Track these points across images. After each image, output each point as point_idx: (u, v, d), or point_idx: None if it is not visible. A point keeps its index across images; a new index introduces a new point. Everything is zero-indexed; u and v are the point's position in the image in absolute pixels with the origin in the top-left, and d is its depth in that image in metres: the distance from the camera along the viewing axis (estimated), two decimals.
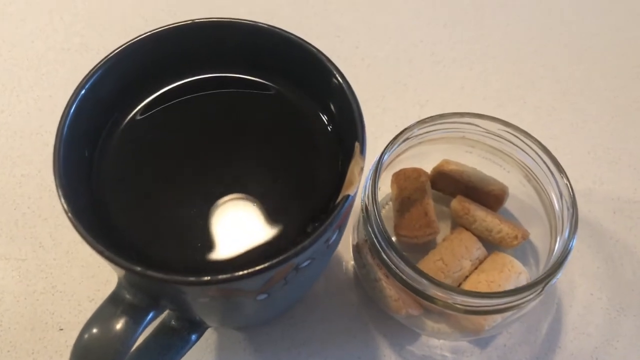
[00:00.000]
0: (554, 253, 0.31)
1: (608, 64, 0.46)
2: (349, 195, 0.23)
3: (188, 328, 0.29)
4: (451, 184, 0.37)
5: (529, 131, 0.33)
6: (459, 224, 0.36)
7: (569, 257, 0.30)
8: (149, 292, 0.24)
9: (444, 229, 0.38)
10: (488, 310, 0.30)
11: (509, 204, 0.37)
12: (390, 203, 0.38)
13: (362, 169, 0.24)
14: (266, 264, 0.21)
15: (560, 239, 0.31)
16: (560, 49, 0.47)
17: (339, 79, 0.25)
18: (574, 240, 0.30)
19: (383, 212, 0.39)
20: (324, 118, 0.28)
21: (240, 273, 0.21)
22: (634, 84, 0.45)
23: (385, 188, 0.38)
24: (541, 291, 0.30)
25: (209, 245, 0.24)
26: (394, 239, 0.36)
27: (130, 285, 0.24)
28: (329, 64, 0.26)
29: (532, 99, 0.44)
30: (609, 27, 0.49)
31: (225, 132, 0.27)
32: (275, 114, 0.28)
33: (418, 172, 0.37)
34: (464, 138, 0.36)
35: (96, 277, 0.36)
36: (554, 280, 0.30)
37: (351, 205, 0.24)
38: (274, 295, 0.25)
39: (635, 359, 0.35)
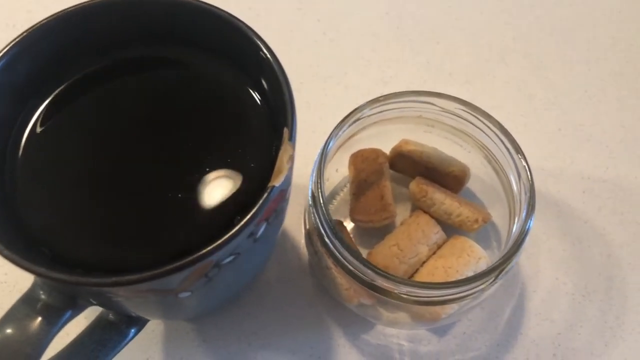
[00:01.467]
0: (511, 237, 0.30)
1: (581, 36, 0.44)
2: (273, 187, 0.21)
3: (126, 322, 0.28)
4: (410, 165, 0.35)
5: (498, 107, 0.32)
6: (417, 207, 0.35)
7: (525, 244, 0.28)
8: (63, 291, 0.22)
9: (404, 212, 0.36)
10: (440, 301, 0.29)
11: (471, 185, 0.36)
12: (349, 185, 0.36)
13: (291, 157, 0.22)
14: (176, 264, 0.19)
15: (517, 223, 0.30)
16: (531, 20, 0.44)
17: (266, 52, 0.23)
18: (531, 223, 0.28)
19: (341, 194, 0.37)
20: (259, 100, 0.26)
21: (149, 273, 0.19)
22: (608, 56, 0.43)
23: (345, 170, 0.36)
24: (496, 279, 0.28)
25: (127, 241, 0.23)
26: (350, 223, 0.35)
27: (44, 284, 0.23)
28: (253, 36, 0.23)
29: (501, 74, 0.42)
30: None
31: (148, 117, 0.25)
32: (203, 96, 0.26)
33: (376, 153, 0.35)
34: (421, 117, 0.34)
35: None
36: (510, 266, 0.29)
37: (281, 197, 0.22)
38: (200, 292, 0.23)
39: (600, 344, 0.34)
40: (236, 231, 0.20)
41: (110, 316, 0.28)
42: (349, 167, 0.36)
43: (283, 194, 0.23)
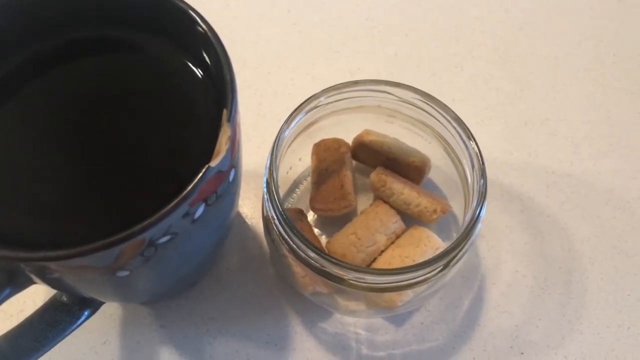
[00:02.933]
0: (463, 225, 0.30)
1: (550, 31, 0.44)
2: (208, 167, 0.21)
3: (79, 303, 0.28)
4: (372, 155, 0.35)
5: (464, 100, 0.32)
6: (377, 196, 0.35)
7: (476, 230, 0.28)
8: (0, 267, 0.22)
9: (366, 202, 0.36)
10: (393, 287, 0.29)
11: (432, 176, 0.36)
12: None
13: (229, 138, 0.22)
14: (104, 241, 0.20)
15: (469, 211, 0.30)
16: (501, 14, 0.45)
17: (204, 27, 0.23)
18: (482, 209, 0.28)
19: (304, 184, 0.37)
20: (201, 75, 0.26)
21: (77, 249, 0.19)
22: (577, 52, 0.43)
23: (308, 159, 0.36)
24: (446, 267, 0.29)
25: (66, 219, 0.23)
26: (310, 213, 0.35)
27: None
28: (192, 12, 0.23)
29: (468, 67, 0.42)
30: None
31: (91, 96, 0.25)
32: (147, 75, 0.26)
33: (338, 142, 0.36)
34: (380, 107, 0.34)
35: None
36: (460, 254, 0.29)
37: (218, 178, 0.23)
38: (138, 272, 0.23)
39: (557, 337, 0.34)
40: (167, 210, 0.20)
41: (64, 298, 0.28)
42: (311, 156, 0.36)
43: (221, 176, 0.23)
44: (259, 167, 0.36)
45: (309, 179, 0.37)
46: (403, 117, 0.34)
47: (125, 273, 0.23)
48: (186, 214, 0.22)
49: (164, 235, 0.22)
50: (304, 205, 0.36)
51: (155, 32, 0.25)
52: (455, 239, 0.35)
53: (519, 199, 0.38)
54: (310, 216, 0.36)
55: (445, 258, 0.28)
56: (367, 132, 0.35)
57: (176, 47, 0.26)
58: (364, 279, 0.28)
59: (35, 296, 0.33)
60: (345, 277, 0.28)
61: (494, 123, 0.40)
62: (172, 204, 0.20)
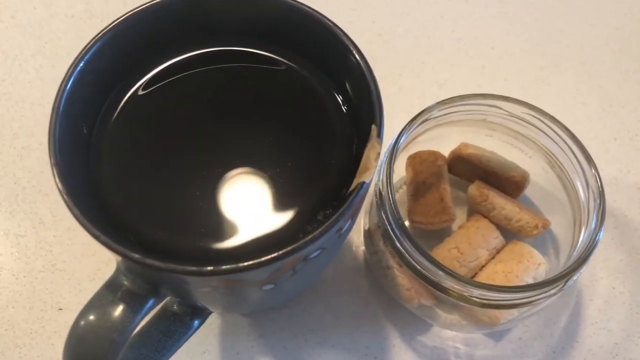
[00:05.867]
0: (578, 246, 0.30)
1: (637, 45, 0.44)
2: (363, 183, 0.21)
3: (190, 313, 0.28)
4: (469, 169, 0.35)
5: (553, 115, 0.31)
6: (476, 211, 0.34)
7: (595, 252, 0.28)
8: (148, 279, 0.22)
9: (460, 215, 0.36)
10: (505, 305, 0.29)
11: (529, 191, 0.36)
12: (404, 187, 0.36)
13: (378, 154, 0.22)
14: (273, 255, 0.20)
15: (585, 231, 0.30)
16: (586, 28, 0.44)
17: (357, 56, 0.24)
18: (601, 234, 0.28)
19: (396, 195, 0.37)
20: (339, 98, 0.26)
21: (245, 264, 0.19)
22: None
23: (399, 171, 0.36)
24: (563, 286, 0.28)
25: (213, 230, 0.23)
26: (407, 224, 0.35)
27: (128, 271, 0.23)
28: (345, 40, 0.24)
29: (556, 81, 0.42)
30: (639, 6, 0.46)
31: (232, 109, 0.25)
32: (286, 92, 0.26)
33: (435, 155, 0.35)
34: (485, 121, 0.34)
35: (97, 255, 0.35)
36: (576, 276, 0.28)
37: (366, 193, 0.22)
38: (282, 285, 0.23)
39: None
40: (329, 225, 0.20)
41: (175, 307, 0.28)
42: (406, 168, 0.36)
43: (367, 191, 0.23)
44: None
45: (402, 191, 0.37)
46: (504, 130, 0.34)
47: (270, 286, 0.23)
48: (339, 230, 0.22)
49: (318, 249, 0.22)
50: None
51: (300, 51, 0.26)
52: (552, 254, 0.35)
53: (612, 216, 0.37)
54: None
55: (564, 278, 0.28)
56: (465, 145, 0.35)
57: (316, 65, 0.26)
58: (481, 294, 0.28)
59: None
60: (458, 291, 0.28)
61: (583, 138, 0.39)
62: (333, 218, 0.20)
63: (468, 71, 0.42)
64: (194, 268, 0.20)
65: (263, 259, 0.19)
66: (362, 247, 0.36)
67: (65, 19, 0.44)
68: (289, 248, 0.20)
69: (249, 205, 0.23)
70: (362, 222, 0.35)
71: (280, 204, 0.23)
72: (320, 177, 0.24)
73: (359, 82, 0.23)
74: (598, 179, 0.29)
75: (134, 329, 0.22)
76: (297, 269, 0.22)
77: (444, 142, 0.35)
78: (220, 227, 0.23)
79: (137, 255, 0.20)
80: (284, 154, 0.24)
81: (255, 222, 0.23)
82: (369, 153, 0.22)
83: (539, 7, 0.45)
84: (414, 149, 0.35)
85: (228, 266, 0.19)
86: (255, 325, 0.33)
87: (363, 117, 0.24)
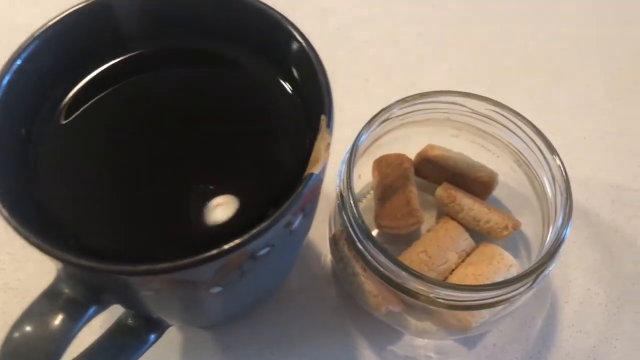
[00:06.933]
0: (547, 242, 0.29)
1: (606, 43, 0.44)
2: (312, 174, 0.20)
3: (146, 327, 0.27)
4: (436, 171, 0.34)
5: (514, 109, 0.31)
6: (444, 213, 0.34)
7: (563, 246, 0.27)
8: (88, 284, 0.21)
9: (429, 219, 0.35)
10: (474, 305, 0.27)
11: (498, 192, 0.35)
12: (372, 192, 0.35)
13: (329, 145, 0.21)
14: (213, 252, 0.18)
15: (553, 227, 0.29)
16: (553, 28, 0.44)
17: (300, 41, 0.23)
18: (568, 228, 0.27)
19: (364, 201, 0.36)
20: (289, 89, 0.25)
21: (184, 262, 0.18)
22: (634, 64, 0.43)
23: (367, 176, 0.35)
24: (532, 284, 0.27)
25: (157, 232, 0.22)
26: (375, 230, 0.34)
27: (68, 278, 0.21)
28: (287, 25, 0.23)
29: (524, 81, 0.41)
30: (606, 4, 0.46)
31: (176, 106, 0.24)
32: (231, 86, 0.25)
33: (401, 158, 0.34)
34: (449, 120, 0.33)
35: (52, 273, 0.33)
36: (546, 272, 0.27)
37: (317, 187, 0.22)
38: (231, 288, 0.22)
39: (637, 358, 0.32)
40: (275, 218, 0.19)
41: (130, 321, 0.27)
42: (372, 172, 0.35)
43: (319, 185, 0.22)
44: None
45: (369, 197, 0.36)
46: (470, 129, 0.33)
47: (218, 289, 0.21)
48: (288, 224, 0.21)
49: (265, 247, 0.20)
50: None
51: (242, 42, 0.25)
52: (524, 256, 0.34)
53: (585, 214, 0.37)
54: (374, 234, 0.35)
55: (532, 275, 0.27)
56: (431, 146, 0.34)
57: (261, 57, 0.25)
58: (448, 295, 0.27)
59: None
60: (425, 294, 0.27)
61: (552, 137, 0.39)
62: (280, 211, 0.19)
63: (436, 74, 0.41)
64: (129, 267, 0.18)
65: (202, 256, 0.18)
66: (329, 256, 0.34)
67: None
68: (231, 244, 0.19)
69: (196, 205, 0.22)
70: (327, 230, 0.34)
71: (229, 201, 0.22)
72: (272, 173, 0.23)
73: (306, 70, 0.22)
74: (563, 170, 0.29)
75: (72, 338, 0.21)
76: (245, 269, 0.21)
77: (410, 144, 0.35)
78: (166, 228, 0.22)
79: (70, 256, 0.19)
80: (233, 150, 0.23)
81: (203, 221, 0.22)
82: (319, 144, 0.22)
83: (505, 8, 0.45)
84: (379, 152, 0.35)
85: (165, 265, 0.18)
86: (218, 339, 0.32)
87: (315, 108, 0.23)
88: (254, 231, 0.19)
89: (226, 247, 0.18)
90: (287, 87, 0.25)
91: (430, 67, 0.42)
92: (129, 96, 0.25)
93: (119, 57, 0.25)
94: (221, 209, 0.22)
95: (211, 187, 0.22)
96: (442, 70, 0.42)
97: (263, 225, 0.19)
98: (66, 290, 0.21)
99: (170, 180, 0.23)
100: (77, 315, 0.21)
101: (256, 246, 0.20)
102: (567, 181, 0.28)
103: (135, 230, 0.22)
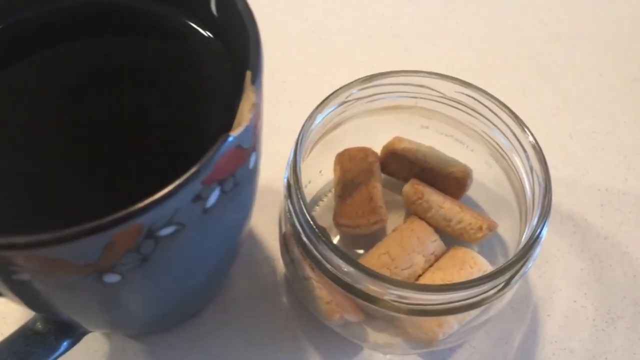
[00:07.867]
0: (522, 242, 0.25)
1: (590, 39, 0.40)
2: (227, 137, 0.17)
3: (56, 332, 0.23)
4: (404, 166, 0.31)
5: (485, 90, 0.27)
6: (412, 212, 0.30)
7: (540, 243, 0.24)
8: None
9: (396, 220, 0.31)
10: (439, 310, 0.24)
11: (473, 192, 0.31)
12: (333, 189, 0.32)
13: (254, 106, 0.18)
14: (84, 226, 0.15)
15: (530, 224, 0.25)
16: (536, 23, 0.41)
17: None
18: (546, 223, 0.24)
19: (325, 200, 0.33)
20: (222, 49, 0.21)
21: (50, 235, 0.15)
22: (622, 60, 0.39)
23: (329, 173, 0.32)
24: (505, 287, 0.24)
25: (56, 209, 0.18)
26: (333, 231, 0.30)
27: None
28: None
29: (505, 79, 0.38)
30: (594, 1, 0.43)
31: (90, 67, 0.21)
32: (152, 44, 0.21)
33: (365, 151, 0.31)
34: (417, 107, 0.29)
35: None
36: (521, 273, 0.24)
37: (236, 154, 0.18)
38: (132, 277, 0.18)
39: None
40: (174, 188, 0.16)
41: (38, 325, 0.23)
42: (334, 167, 0.31)
43: (242, 154, 0.18)
44: (273, 182, 0.31)
45: (331, 194, 0.32)
46: (441, 118, 0.30)
47: (115, 278, 0.18)
48: (197, 197, 0.17)
49: (168, 224, 0.17)
50: (325, 224, 0.31)
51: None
52: (502, 262, 0.30)
53: (571, 219, 0.33)
54: (333, 237, 0.31)
55: (501, 277, 0.23)
56: (398, 139, 0.31)
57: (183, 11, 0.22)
58: (407, 297, 0.23)
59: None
60: (382, 296, 0.23)
61: (537, 136, 0.36)
62: (182, 179, 0.16)
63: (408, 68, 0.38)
64: None
65: (71, 230, 0.15)
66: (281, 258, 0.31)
67: None
68: (118, 214, 0.15)
69: (105, 179, 0.19)
70: (278, 229, 0.30)
71: (148, 170, 0.19)
72: (192, 140, 0.19)
73: (230, 17, 0.19)
74: (541, 156, 0.25)
75: None
76: (145, 253, 0.17)
77: (376, 137, 0.31)
78: (79, 203, 0.18)
79: None
80: (147, 115, 0.20)
81: (110, 195, 0.18)
82: (243, 105, 0.18)
83: (485, 3, 0.42)
84: (342, 145, 0.31)
85: (32, 238, 0.15)
86: (149, 351, 0.28)
87: (240, 63, 0.19)
88: (146, 202, 0.15)
89: (106, 220, 0.15)
90: (208, 35, 0.21)
91: (404, 64, 0.39)
92: (38, 54, 0.21)
93: (26, 13, 0.22)
94: (129, 182, 0.19)
95: (123, 156, 0.19)
96: (416, 65, 0.38)
97: (158, 195, 0.15)
98: None
99: (77, 149, 0.20)
100: None
101: (154, 221, 0.16)
102: (546, 171, 0.25)
103: (33, 202, 0.18)
